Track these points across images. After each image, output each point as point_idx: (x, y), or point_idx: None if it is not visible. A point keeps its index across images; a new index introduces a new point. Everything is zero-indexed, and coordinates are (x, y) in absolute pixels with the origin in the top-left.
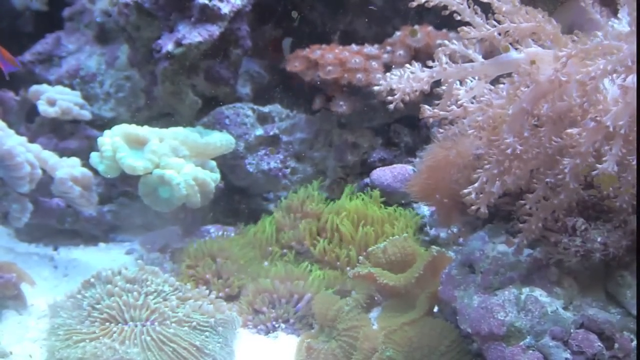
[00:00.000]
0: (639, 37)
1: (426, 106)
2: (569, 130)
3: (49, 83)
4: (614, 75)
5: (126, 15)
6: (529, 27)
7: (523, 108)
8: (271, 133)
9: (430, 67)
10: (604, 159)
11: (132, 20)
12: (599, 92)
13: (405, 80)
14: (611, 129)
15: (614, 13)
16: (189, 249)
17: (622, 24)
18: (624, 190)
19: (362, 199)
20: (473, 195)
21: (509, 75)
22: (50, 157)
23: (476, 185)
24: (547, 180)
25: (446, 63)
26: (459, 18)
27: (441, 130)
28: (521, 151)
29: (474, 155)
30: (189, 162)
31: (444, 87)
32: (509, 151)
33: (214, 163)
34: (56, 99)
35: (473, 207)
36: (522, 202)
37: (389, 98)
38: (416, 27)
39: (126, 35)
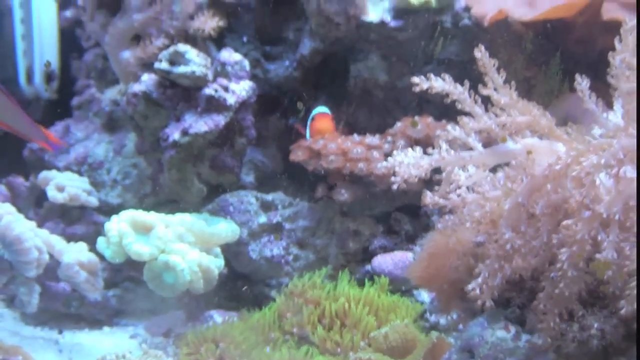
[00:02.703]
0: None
1: (428, 192)
2: (564, 222)
3: (58, 169)
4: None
5: (134, 105)
6: (524, 120)
7: (519, 203)
8: (274, 221)
9: (431, 154)
10: (602, 246)
11: (140, 109)
12: (596, 186)
13: (405, 167)
14: (605, 216)
15: (609, 105)
16: (188, 335)
17: (617, 116)
18: (618, 276)
19: (369, 287)
20: (477, 291)
21: (507, 164)
22: (58, 242)
23: (479, 280)
24: (552, 275)
25: (446, 150)
26: (460, 107)
27: (441, 220)
28: (520, 245)
29: (473, 243)
30: (194, 248)
31: (443, 174)
32: (508, 247)
33: (218, 249)
34: (65, 185)
35: (479, 302)
36: (536, 302)
37: (392, 179)
38: (416, 118)
39: (134, 124)
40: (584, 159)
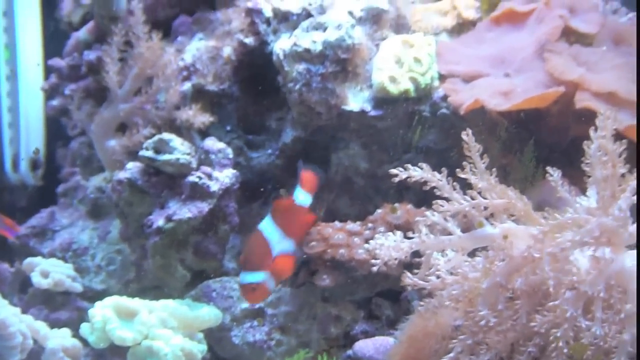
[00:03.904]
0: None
1: (408, 273)
2: (551, 304)
3: (43, 256)
4: (585, 247)
5: (119, 192)
6: (501, 203)
7: (497, 282)
8: (256, 306)
9: (411, 238)
10: (589, 324)
11: (125, 196)
12: (570, 263)
13: (385, 249)
14: (590, 294)
15: (583, 191)
16: None
17: (590, 201)
18: (597, 357)
19: None
20: None
21: (485, 248)
22: (42, 328)
23: (452, 355)
24: (530, 350)
25: (425, 234)
26: (438, 193)
27: (422, 304)
28: (495, 323)
29: (452, 326)
30: (177, 333)
31: (423, 258)
32: (482, 323)
33: (201, 335)
34: (49, 271)
35: None
36: None
37: (372, 261)
38: (396, 205)
39: (119, 211)
40: (559, 236)
